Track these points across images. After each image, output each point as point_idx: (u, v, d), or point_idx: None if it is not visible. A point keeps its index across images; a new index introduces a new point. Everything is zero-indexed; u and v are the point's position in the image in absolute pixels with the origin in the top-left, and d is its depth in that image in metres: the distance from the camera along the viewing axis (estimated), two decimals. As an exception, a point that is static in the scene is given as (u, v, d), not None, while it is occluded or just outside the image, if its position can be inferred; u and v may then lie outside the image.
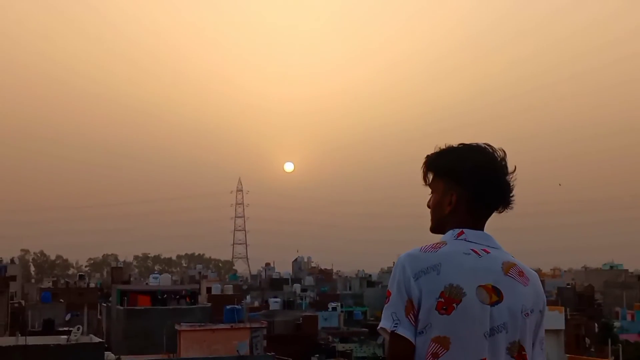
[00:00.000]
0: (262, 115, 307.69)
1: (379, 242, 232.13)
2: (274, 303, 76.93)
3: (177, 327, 43.30)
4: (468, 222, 3.05)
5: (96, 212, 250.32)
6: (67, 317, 62.90)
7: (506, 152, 3.10)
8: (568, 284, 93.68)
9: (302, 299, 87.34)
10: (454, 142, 3.15)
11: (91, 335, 41.85)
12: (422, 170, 3.17)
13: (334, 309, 75.03)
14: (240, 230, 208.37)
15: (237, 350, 40.55)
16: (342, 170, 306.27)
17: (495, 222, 3.14)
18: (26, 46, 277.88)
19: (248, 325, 43.72)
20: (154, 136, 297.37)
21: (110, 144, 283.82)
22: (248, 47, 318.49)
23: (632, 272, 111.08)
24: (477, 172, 3.04)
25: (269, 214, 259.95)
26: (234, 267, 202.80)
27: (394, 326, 2.89)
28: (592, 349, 54.58)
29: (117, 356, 40.67)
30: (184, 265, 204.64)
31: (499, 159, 3.07)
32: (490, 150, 3.08)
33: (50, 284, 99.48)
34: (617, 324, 71.56)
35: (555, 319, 39.47)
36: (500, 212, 3.11)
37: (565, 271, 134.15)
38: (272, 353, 42.20)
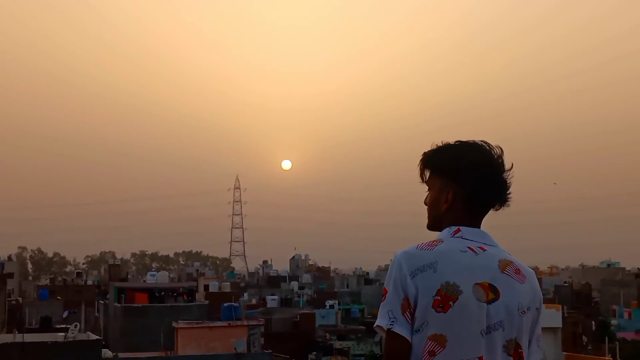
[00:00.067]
0: (259, 113, 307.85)
1: (377, 239, 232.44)
2: (272, 301, 76.94)
3: (174, 324, 43.31)
4: (465, 220, 3.05)
5: (94, 209, 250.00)
6: (65, 314, 62.84)
7: (503, 150, 3.09)
8: (565, 282, 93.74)
9: (299, 297, 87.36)
10: (452, 140, 3.14)
11: (88, 332, 41.82)
12: (419, 168, 3.17)
13: (332, 306, 75.01)
14: (237, 227, 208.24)
15: (235, 348, 40.56)
16: (340, 167, 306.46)
17: (492, 220, 3.13)
18: (27, 45, 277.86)
19: (245, 323, 43.74)
20: (152, 134, 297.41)
21: (109, 142, 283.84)
22: (246, 46, 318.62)
23: (629, 270, 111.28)
24: (474, 169, 3.03)
25: (267, 211, 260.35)
26: (231, 265, 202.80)
27: (390, 324, 2.89)
28: (589, 347, 54.64)
29: (114, 353, 40.66)
30: (182, 262, 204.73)
31: (495, 156, 3.07)
32: (487, 147, 3.08)
33: (48, 281, 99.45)
34: (614, 322, 71.75)
35: (553, 317, 39.50)
36: (497, 210, 3.10)
37: (562, 269, 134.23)
38: (270, 350, 42.19)
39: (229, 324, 42.82)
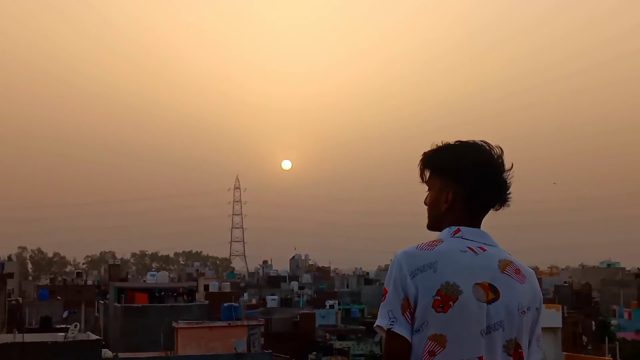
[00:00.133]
0: (259, 112, 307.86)
1: (377, 239, 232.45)
2: (272, 301, 76.93)
3: (174, 324, 43.31)
4: (464, 220, 3.05)
5: (94, 209, 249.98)
6: (65, 314, 62.85)
7: (503, 150, 3.09)
8: (565, 282, 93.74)
9: (299, 297, 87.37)
10: (452, 140, 3.14)
11: (88, 332, 41.83)
12: (418, 168, 3.17)
13: (332, 306, 75.01)
14: (237, 227, 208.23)
15: (235, 348, 40.56)
16: (340, 167, 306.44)
17: (492, 220, 3.13)
18: (27, 45, 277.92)
19: (245, 323, 43.73)
20: (152, 134, 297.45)
21: (109, 142, 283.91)
22: (246, 46, 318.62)
23: (629, 270, 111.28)
24: (474, 169, 3.03)
25: (267, 211, 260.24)
26: (231, 265, 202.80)
27: (390, 324, 2.89)
28: (589, 347, 54.65)
29: (114, 353, 40.66)
30: (182, 262, 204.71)
31: (495, 156, 3.07)
32: (487, 147, 3.08)
33: (48, 281, 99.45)
34: (614, 322, 71.74)
35: (553, 317, 39.50)
36: (496, 210, 3.11)
37: (562, 269, 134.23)
38: (270, 350, 42.19)
39: (229, 324, 42.81)
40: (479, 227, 3.07)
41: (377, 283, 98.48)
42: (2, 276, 53.81)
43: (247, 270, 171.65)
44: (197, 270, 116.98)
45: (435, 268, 2.91)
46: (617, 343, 49.99)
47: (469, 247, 2.98)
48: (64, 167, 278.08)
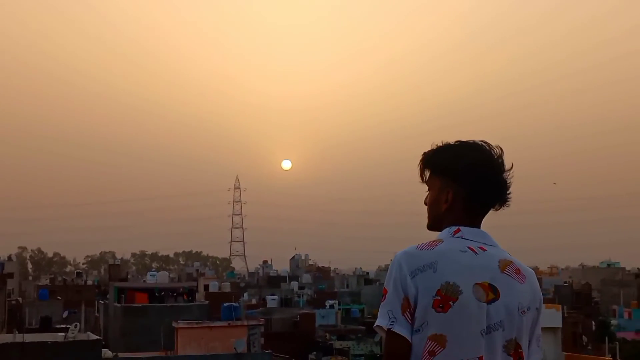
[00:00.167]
0: (259, 112, 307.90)
1: (377, 239, 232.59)
2: (272, 301, 76.93)
3: (174, 324, 43.30)
4: (464, 220, 3.05)
5: (94, 209, 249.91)
6: (65, 314, 62.85)
7: (503, 150, 3.09)
8: (565, 282, 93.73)
9: (299, 297, 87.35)
10: (452, 140, 3.14)
11: (88, 332, 41.82)
12: (418, 168, 3.17)
13: (332, 306, 75.00)
14: (237, 227, 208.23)
15: (235, 348, 40.55)
16: (340, 167, 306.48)
17: (492, 220, 3.13)
18: (27, 45, 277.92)
19: (245, 323, 43.72)
20: (152, 134, 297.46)
21: (109, 142, 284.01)
22: (246, 46, 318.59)
23: (629, 270, 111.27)
24: (474, 169, 3.03)
25: (267, 211, 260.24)
26: (231, 265, 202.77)
27: (390, 324, 2.89)
28: (589, 347, 54.65)
29: (114, 353, 40.66)
30: (182, 262, 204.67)
31: (495, 156, 3.07)
32: (487, 147, 3.08)
33: (48, 281, 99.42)
34: (614, 322, 71.73)
35: (553, 317, 39.50)
36: (496, 210, 3.10)
37: (562, 269, 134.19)
38: (270, 350, 42.19)
39: (229, 324, 42.80)
40: (479, 227, 3.07)
41: (377, 283, 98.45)
42: (2, 276, 53.80)
43: (247, 270, 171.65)
44: (197, 270, 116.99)
45: (435, 268, 2.90)
46: (617, 343, 49.99)
47: (469, 247, 2.98)
48: (64, 167, 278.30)
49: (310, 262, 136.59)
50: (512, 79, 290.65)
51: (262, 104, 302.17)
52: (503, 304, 2.91)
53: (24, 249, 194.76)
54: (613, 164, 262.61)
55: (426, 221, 3.17)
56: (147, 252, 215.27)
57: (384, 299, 2.95)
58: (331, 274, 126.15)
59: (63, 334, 37.27)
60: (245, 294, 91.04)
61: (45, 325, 50.22)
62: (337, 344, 58.59)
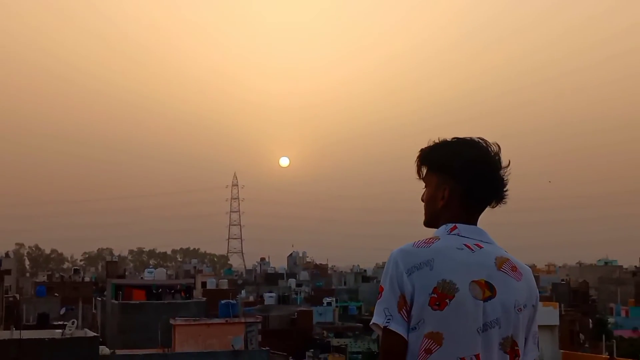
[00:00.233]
0: (257, 110, 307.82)
1: (374, 237, 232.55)
2: (269, 298, 76.91)
3: (172, 321, 43.25)
4: (461, 217, 3.04)
5: (92, 206, 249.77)
6: (62, 311, 62.83)
7: (500, 147, 3.08)
8: (562, 280, 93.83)
9: (297, 294, 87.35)
10: (449, 136, 3.13)
11: (86, 329, 41.79)
12: (415, 164, 3.16)
13: (329, 304, 75.03)
14: (235, 224, 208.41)
15: (232, 345, 40.53)
16: (338, 165, 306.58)
17: (490, 217, 3.12)
18: (26, 42, 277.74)
19: (243, 320, 43.67)
20: (151, 131, 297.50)
21: (108, 139, 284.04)
22: (245, 43, 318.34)
23: (626, 268, 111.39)
24: (471, 166, 3.03)
25: (264, 208, 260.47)
26: (229, 262, 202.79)
27: (387, 322, 2.88)
28: (587, 345, 54.76)
29: (111, 350, 40.61)
30: (179, 259, 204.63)
31: (492, 153, 3.06)
32: (484, 144, 3.07)
33: (45, 278, 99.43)
34: (611, 319, 71.80)
35: (550, 314, 39.55)
36: (493, 207, 3.10)
37: (559, 267, 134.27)
38: (267, 348, 42.16)
39: (227, 321, 42.76)
40: (475, 224, 3.06)
41: (375, 280, 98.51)
42: (-1, 273, 53.70)
43: (245, 267, 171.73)
44: (195, 267, 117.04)
45: (432, 265, 2.89)
46: (614, 341, 50.02)
47: (465, 245, 2.97)
48: (63, 164, 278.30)
49: (308, 260, 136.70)
50: (509, 76, 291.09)
51: (261, 102, 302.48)
52: (499, 302, 2.90)
53: (21, 245, 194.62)
54: (611, 162, 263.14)
55: (423, 218, 3.17)
56: (144, 249, 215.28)
57: (381, 296, 2.94)
58: (329, 271, 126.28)
59: (60, 330, 37.25)
60: (243, 291, 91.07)
61: (43, 322, 50.16)
62: (335, 341, 58.59)
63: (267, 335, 51.10)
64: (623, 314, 75.28)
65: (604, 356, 40.57)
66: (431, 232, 3.09)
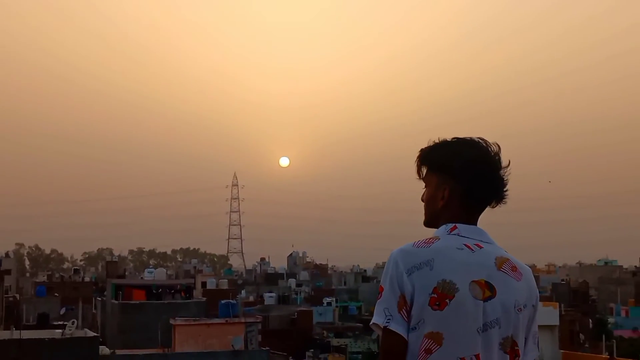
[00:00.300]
0: (257, 110, 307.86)
1: (374, 237, 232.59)
2: (269, 298, 76.91)
3: (172, 321, 43.25)
4: (461, 217, 3.04)
5: (92, 206, 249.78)
6: (62, 311, 62.82)
7: (500, 147, 3.08)
8: (562, 280, 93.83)
9: (297, 294, 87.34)
10: (449, 136, 3.13)
11: (86, 329, 41.79)
12: (415, 164, 3.16)
13: (329, 304, 75.02)
14: (235, 224, 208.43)
15: (232, 345, 40.53)
16: (338, 164, 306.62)
17: (490, 217, 3.12)
18: (26, 42, 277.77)
19: (243, 320, 43.67)
20: (151, 131, 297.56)
21: (108, 139, 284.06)
22: (245, 43, 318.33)
23: (626, 268, 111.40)
24: (471, 166, 3.03)
25: (264, 208, 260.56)
26: (229, 262, 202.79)
27: (387, 322, 2.88)
28: (587, 345, 54.76)
29: (111, 350, 40.61)
30: (179, 259, 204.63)
31: (492, 153, 3.06)
32: (484, 144, 3.07)
33: (45, 278, 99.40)
34: (611, 319, 71.80)
35: (550, 314, 39.55)
36: (493, 207, 3.10)
37: (559, 267, 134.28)
38: (267, 348, 42.17)
39: (227, 321, 42.76)
40: (475, 224, 3.06)
41: (375, 280, 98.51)
42: (-1, 273, 53.70)
43: (245, 267, 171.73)
44: (195, 267, 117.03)
45: (432, 265, 2.89)
46: (615, 341, 50.02)
47: (465, 245, 2.97)
48: (63, 164, 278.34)
49: (308, 260, 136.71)
50: (509, 76, 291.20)
51: (261, 102, 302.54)
52: (499, 302, 2.90)
53: (21, 245, 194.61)
54: (611, 162, 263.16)
55: (423, 218, 3.17)
56: (144, 249, 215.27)
57: (381, 296, 2.94)
58: (329, 271, 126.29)
59: (60, 330, 37.24)
60: (243, 291, 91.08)
61: (43, 322, 50.16)
62: (335, 341, 58.59)
63: (267, 335, 51.10)
64: (623, 314, 75.29)
65: (604, 356, 40.58)
66: (431, 232, 3.08)
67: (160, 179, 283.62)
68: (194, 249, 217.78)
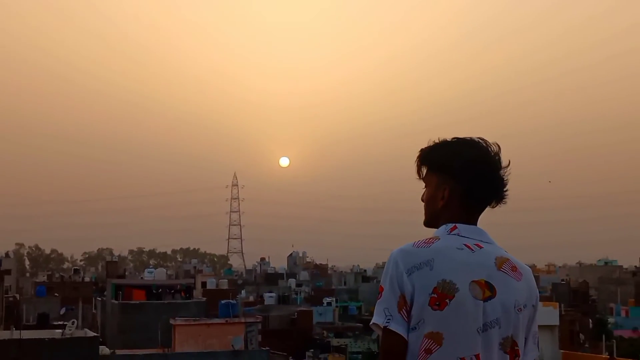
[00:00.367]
0: (258, 110, 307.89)
1: (374, 237, 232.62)
2: (269, 298, 76.91)
3: (172, 321, 43.25)
4: (461, 217, 3.04)
5: (92, 206, 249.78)
6: (62, 311, 62.81)
7: (500, 147, 3.08)
8: (562, 280, 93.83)
9: (297, 294, 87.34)
10: (449, 136, 3.13)
11: (86, 329, 41.79)
12: (415, 164, 3.16)
13: (329, 304, 75.01)
14: (235, 224, 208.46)
15: (232, 345, 40.53)
16: (338, 165, 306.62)
17: (490, 217, 3.12)
18: (26, 42, 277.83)
19: (243, 320, 43.67)
20: (151, 131, 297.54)
21: (108, 139, 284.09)
22: (245, 43, 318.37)
23: (626, 268, 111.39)
24: (471, 166, 3.03)
25: (264, 208, 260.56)
26: (229, 262, 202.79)
27: (387, 322, 2.88)
28: (587, 345, 54.75)
29: (111, 350, 40.61)
30: (179, 259, 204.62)
31: (492, 153, 3.06)
32: (484, 144, 3.07)
33: (45, 278, 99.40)
34: (611, 319, 71.80)
35: (550, 314, 39.55)
36: (493, 207, 3.10)
37: (559, 267, 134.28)
38: (267, 348, 42.17)
39: (227, 321, 42.76)
40: (475, 224, 3.06)
41: (375, 280, 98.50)
42: (-1, 273, 53.69)
43: (245, 267, 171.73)
44: (195, 267, 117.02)
45: (432, 265, 2.89)
46: (615, 341, 50.03)
47: (465, 245, 2.97)
48: (63, 164, 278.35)
49: (308, 260, 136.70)
50: (509, 76, 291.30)
51: (261, 102, 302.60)
52: (499, 302, 2.90)
53: (21, 245, 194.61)
54: (611, 162, 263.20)
55: (423, 218, 3.17)
56: (144, 249, 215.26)
57: (381, 296, 2.94)
58: (329, 271, 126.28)
59: (60, 330, 37.24)
60: (243, 291, 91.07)
61: (43, 322, 50.16)
62: (335, 341, 58.58)
63: (267, 335, 51.09)
64: (623, 314, 75.29)
65: (604, 356, 40.58)
66: (431, 232, 3.08)
67: (160, 179, 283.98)
68: (194, 249, 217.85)
